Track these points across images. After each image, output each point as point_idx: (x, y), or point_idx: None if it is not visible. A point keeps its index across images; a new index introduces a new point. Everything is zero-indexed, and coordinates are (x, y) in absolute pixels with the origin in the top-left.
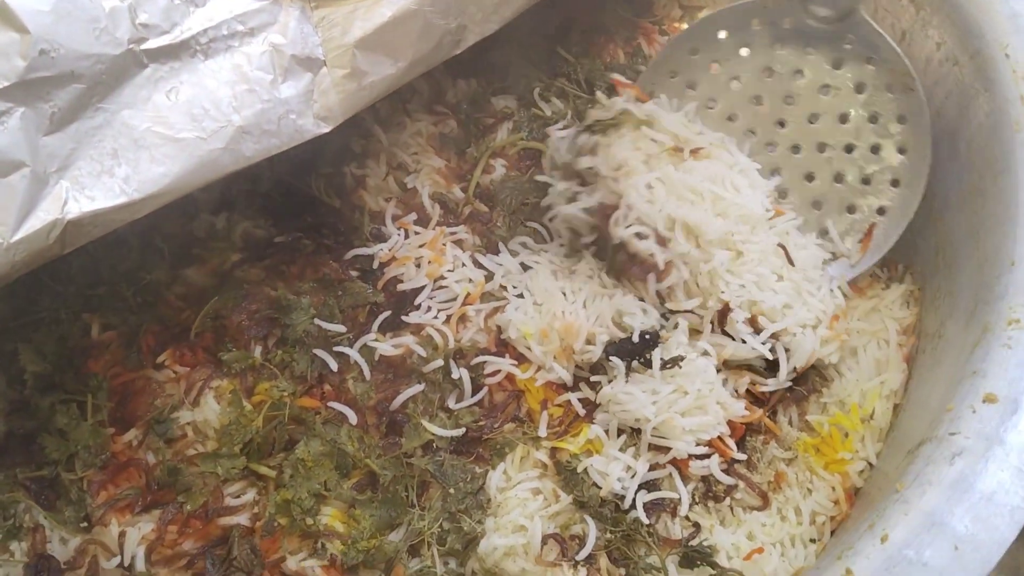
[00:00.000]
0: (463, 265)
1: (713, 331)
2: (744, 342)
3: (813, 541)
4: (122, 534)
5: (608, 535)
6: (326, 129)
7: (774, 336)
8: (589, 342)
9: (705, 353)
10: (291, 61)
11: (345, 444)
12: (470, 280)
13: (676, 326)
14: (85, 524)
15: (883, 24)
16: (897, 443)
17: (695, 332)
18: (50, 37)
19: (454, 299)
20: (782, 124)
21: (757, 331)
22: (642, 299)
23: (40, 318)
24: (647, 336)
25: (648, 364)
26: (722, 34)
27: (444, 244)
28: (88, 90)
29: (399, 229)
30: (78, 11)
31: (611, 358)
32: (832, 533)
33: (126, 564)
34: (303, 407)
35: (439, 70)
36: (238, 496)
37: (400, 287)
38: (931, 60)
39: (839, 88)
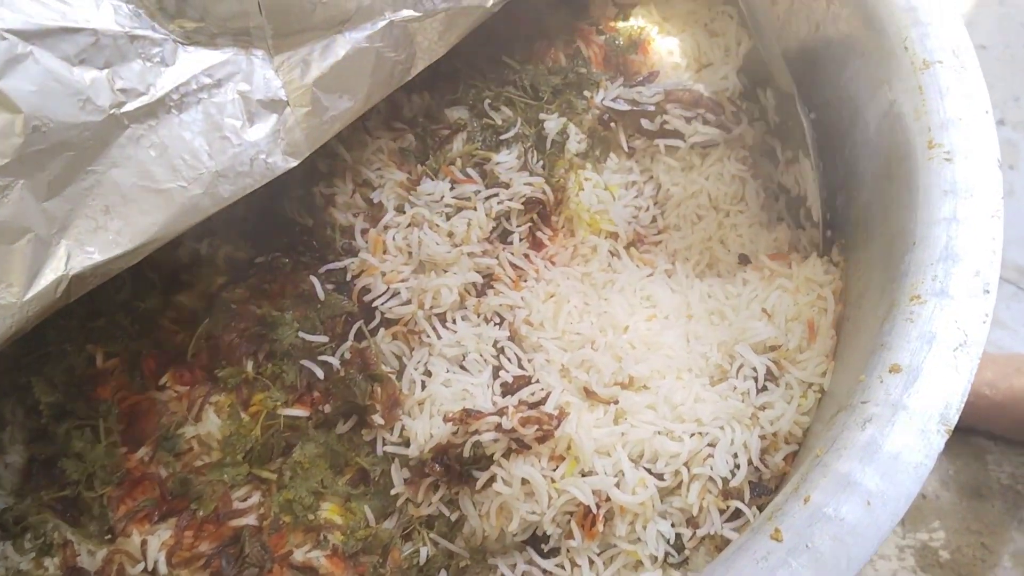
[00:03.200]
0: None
1: None
2: None
3: None
4: (144, 542)
5: None
6: (294, 163)
7: None
8: None
9: None
10: (257, 105)
11: (336, 445)
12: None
13: None
14: (109, 536)
15: (798, 16)
16: (821, 411)
17: None
18: (40, 114)
19: (407, 303)
20: None
21: None
22: None
23: (48, 352)
24: None
25: None
26: None
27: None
28: (78, 156)
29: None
30: (62, 87)
31: None
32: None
33: (150, 569)
34: (295, 415)
35: None
36: (245, 499)
37: (366, 297)
38: (841, 47)
39: None
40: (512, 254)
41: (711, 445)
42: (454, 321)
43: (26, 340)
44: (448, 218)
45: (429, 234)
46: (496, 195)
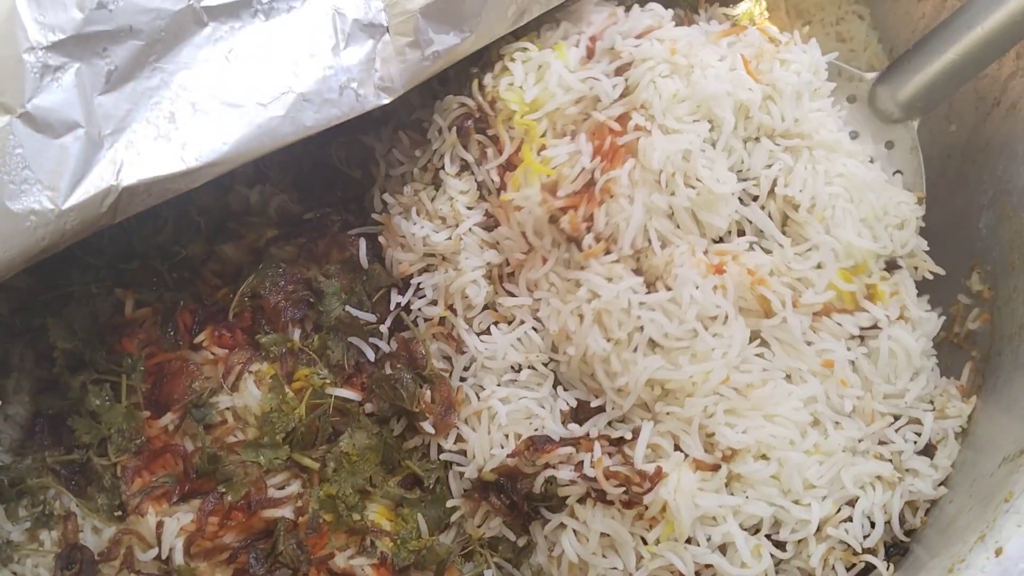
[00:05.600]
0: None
1: None
2: None
3: None
4: (160, 524)
5: None
6: (387, 100)
7: None
8: None
9: None
10: (353, 26)
11: (389, 438)
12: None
13: None
14: (119, 513)
15: None
16: (984, 448)
17: None
18: None
19: (434, 304)
20: None
21: None
22: None
23: (70, 292)
24: None
25: None
26: None
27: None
28: (146, 47)
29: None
30: None
31: None
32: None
33: (164, 556)
34: (346, 397)
35: None
36: (282, 487)
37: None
38: (1006, 56)
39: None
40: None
41: (849, 504)
42: (488, 330)
43: (46, 276)
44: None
45: (419, 222)
46: None
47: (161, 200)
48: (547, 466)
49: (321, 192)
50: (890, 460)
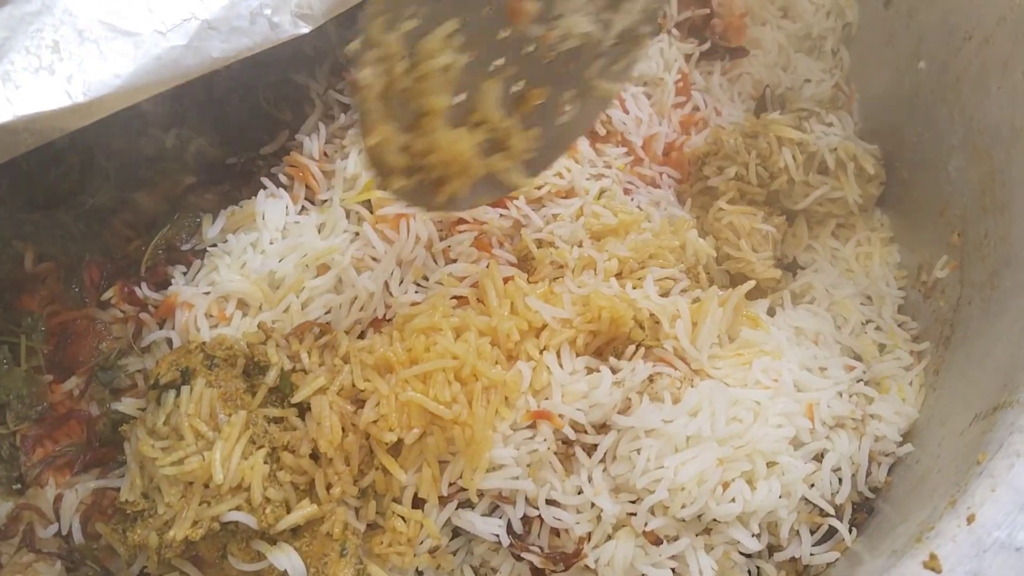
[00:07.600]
0: None
1: None
2: None
3: None
4: (58, 497)
5: None
6: (305, 29)
7: None
8: None
9: None
10: None
11: None
12: None
13: None
14: (18, 486)
15: None
16: (954, 404)
17: None
18: None
19: None
20: None
21: None
22: None
23: None
24: None
25: None
26: None
27: None
28: None
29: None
30: None
31: None
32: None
33: (65, 532)
34: None
35: None
36: None
37: None
38: None
39: None
40: None
41: (816, 460)
42: None
43: None
44: None
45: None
46: None
47: (46, 140)
48: None
49: (246, 136)
50: (852, 400)
